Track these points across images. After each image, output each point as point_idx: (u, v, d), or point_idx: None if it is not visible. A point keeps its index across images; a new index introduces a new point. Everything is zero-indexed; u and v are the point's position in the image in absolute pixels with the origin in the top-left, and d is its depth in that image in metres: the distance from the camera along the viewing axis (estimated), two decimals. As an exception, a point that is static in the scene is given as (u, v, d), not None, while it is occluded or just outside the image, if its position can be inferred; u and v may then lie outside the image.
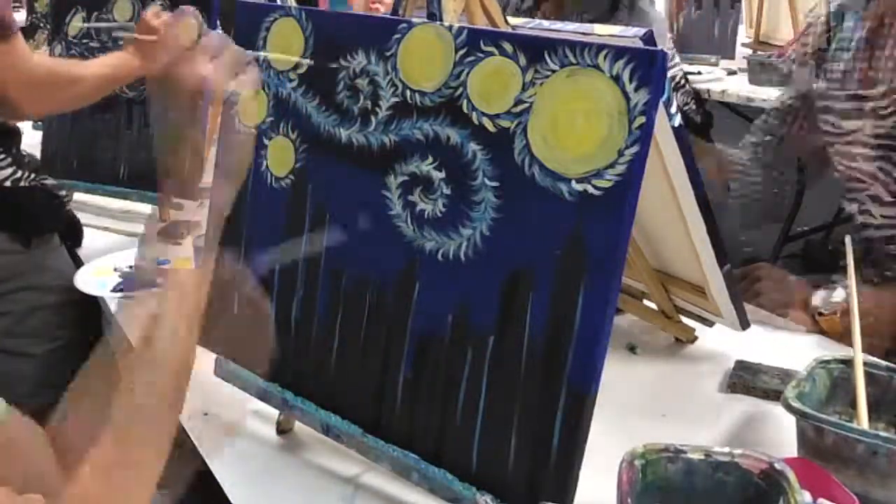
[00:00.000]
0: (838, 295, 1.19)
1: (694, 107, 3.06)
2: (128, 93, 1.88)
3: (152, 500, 0.66)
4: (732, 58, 3.39)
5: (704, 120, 3.40)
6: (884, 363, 0.99)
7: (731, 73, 3.12)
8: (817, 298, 1.23)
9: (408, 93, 0.85)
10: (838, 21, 1.38)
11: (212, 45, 0.76)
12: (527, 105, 0.76)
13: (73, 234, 1.75)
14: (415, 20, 0.86)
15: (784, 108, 1.56)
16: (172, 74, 0.73)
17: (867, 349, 0.95)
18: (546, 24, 1.07)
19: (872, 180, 1.33)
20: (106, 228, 1.80)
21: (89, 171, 1.95)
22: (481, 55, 0.79)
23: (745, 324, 1.15)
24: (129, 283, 1.50)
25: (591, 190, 0.73)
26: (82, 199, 1.95)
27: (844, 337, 1.16)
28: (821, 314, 1.17)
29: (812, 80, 1.44)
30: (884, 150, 1.29)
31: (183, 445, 1.02)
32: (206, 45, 0.76)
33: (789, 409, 0.88)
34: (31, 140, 2.48)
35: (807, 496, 0.79)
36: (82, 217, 1.86)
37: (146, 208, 1.86)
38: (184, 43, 0.75)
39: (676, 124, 0.87)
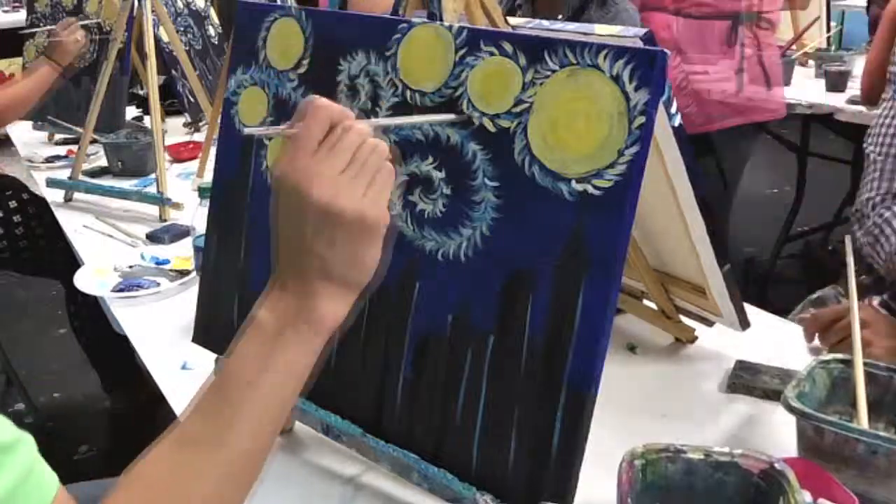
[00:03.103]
0: None
1: (696, 110, 3.06)
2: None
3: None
4: (733, 58, 3.38)
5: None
6: (883, 363, 0.99)
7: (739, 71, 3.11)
8: None
9: (408, 93, 0.85)
10: None
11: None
12: (527, 105, 0.76)
13: None
14: (415, 20, 0.86)
15: None
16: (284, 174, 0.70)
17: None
18: (546, 24, 1.07)
19: None
20: (105, 233, 1.80)
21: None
22: (481, 55, 0.79)
23: (745, 324, 1.15)
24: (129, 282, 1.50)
25: (591, 190, 0.73)
26: (82, 199, 1.95)
27: None
28: None
29: None
30: None
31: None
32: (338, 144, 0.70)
33: (789, 409, 0.88)
34: (31, 139, 2.49)
35: (807, 496, 0.79)
36: (82, 217, 1.86)
37: (146, 208, 1.86)
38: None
39: (676, 124, 0.87)
